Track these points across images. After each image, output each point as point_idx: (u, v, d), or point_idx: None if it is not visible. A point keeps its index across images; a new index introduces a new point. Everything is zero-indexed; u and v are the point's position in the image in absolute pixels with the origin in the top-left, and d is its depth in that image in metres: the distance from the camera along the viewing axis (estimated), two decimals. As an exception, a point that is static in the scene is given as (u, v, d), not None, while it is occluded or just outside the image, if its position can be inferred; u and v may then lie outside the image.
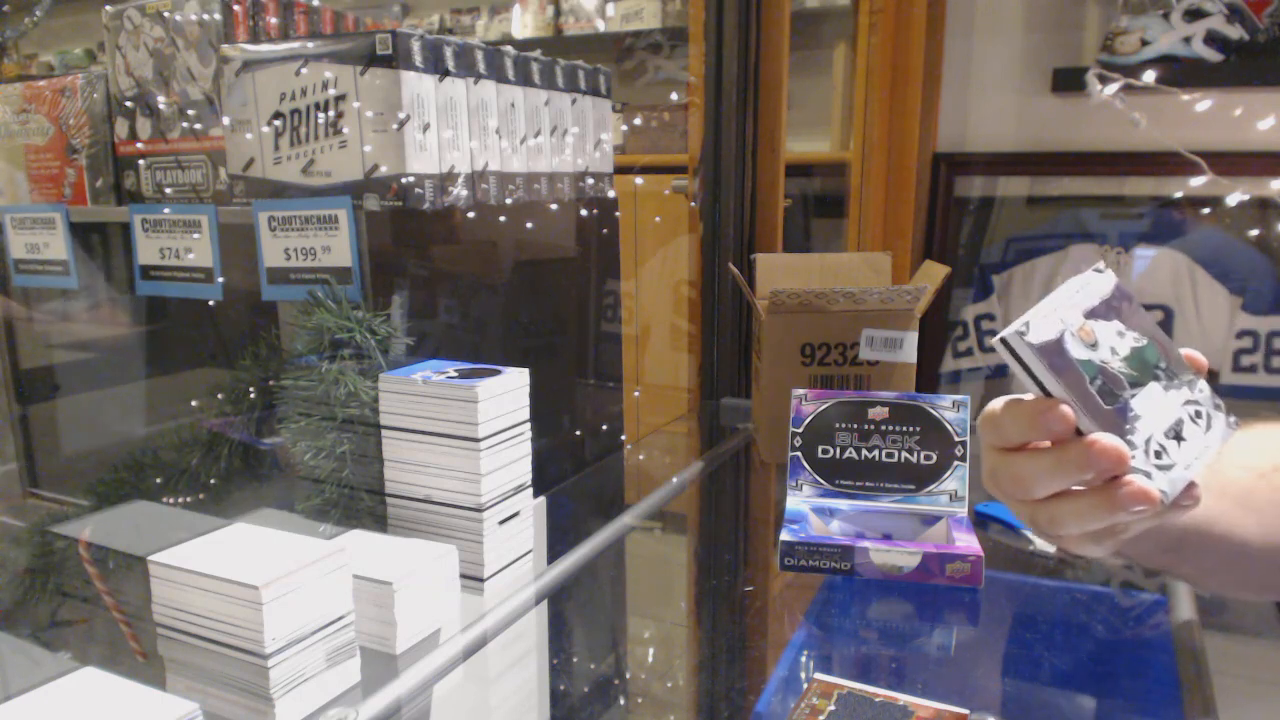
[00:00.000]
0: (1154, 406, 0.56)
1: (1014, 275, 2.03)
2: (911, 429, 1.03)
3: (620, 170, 1.45)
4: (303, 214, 1.01)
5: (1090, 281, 0.58)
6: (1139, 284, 1.91)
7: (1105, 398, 0.55)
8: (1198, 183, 1.68)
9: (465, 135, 1.08)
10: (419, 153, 1.00)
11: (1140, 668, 0.83)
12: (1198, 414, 0.57)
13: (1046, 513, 0.58)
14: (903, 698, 0.73)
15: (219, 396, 1.06)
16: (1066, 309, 0.56)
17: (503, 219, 1.16)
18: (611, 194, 1.40)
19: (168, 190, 1.21)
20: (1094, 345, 0.55)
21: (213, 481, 1.06)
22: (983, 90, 2.08)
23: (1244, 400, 1.83)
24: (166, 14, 1.17)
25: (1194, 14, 1.76)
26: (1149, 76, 1.68)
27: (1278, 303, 1.82)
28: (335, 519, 0.96)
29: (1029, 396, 0.56)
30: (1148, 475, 0.54)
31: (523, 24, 3.13)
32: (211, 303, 1.12)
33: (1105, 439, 0.53)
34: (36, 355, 1.44)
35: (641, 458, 1.49)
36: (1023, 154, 2.06)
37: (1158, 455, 0.54)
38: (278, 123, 1.03)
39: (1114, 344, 0.56)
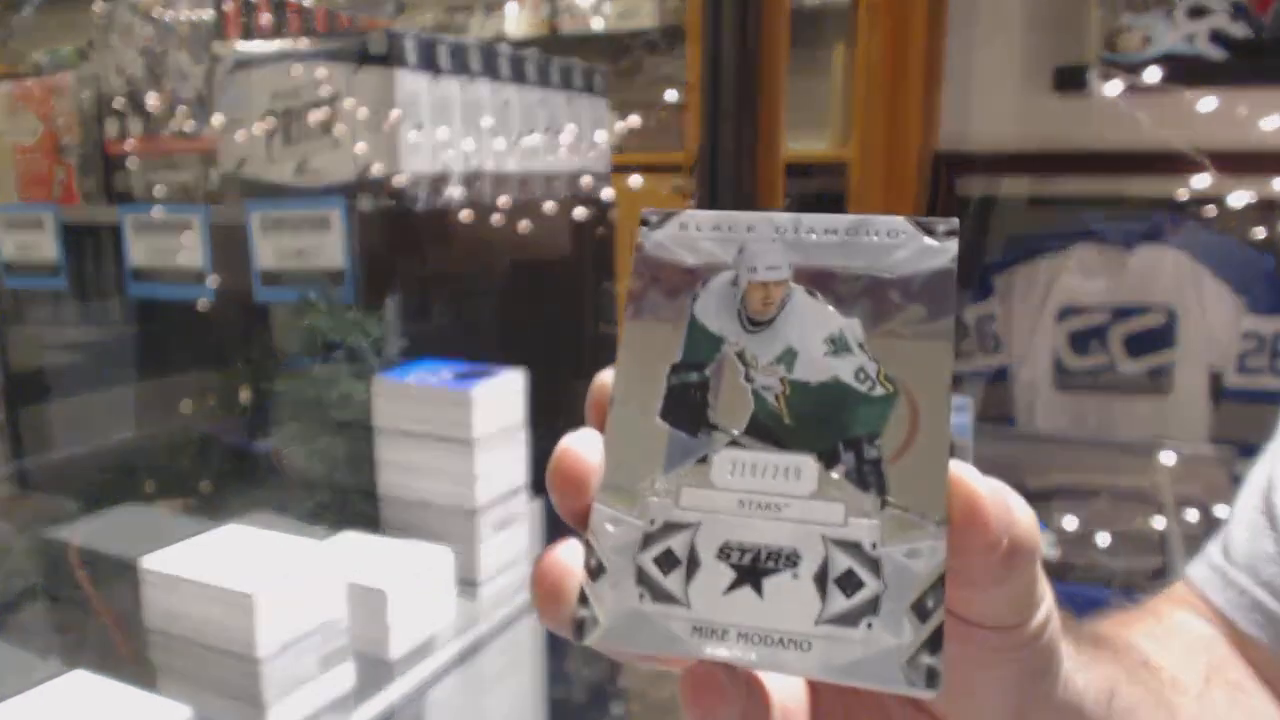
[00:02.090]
0: (755, 488, 0.26)
1: (1015, 276, 2.02)
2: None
3: (616, 170, 1.45)
4: (295, 214, 1.00)
5: (896, 233, 0.28)
6: (1142, 285, 1.90)
7: (685, 408, 0.27)
8: (1202, 182, 1.67)
9: (459, 135, 1.07)
10: (412, 152, 0.99)
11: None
12: (849, 582, 0.25)
13: None
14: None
15: (211, 399, 1.05)
16: (778, 242, 0.28)
17: (497, 219, 1.15)
18: (607, 194, 1.39)
19: (159, 190, 1.20)
20: (759, 323, 0.28)
21: (205, 485, 1.05)
22: (984, 89, 2.07)
23: (1250, 404, 1.82)
24: (158, 12, 1.16)
25: (1198, 12, 1.75)
26: (1152, 75, 1.67)
27: (1282, 303, 1.81)
28: (329, 522, 0.96)
29: None
30: (601, 569, 0.26)
31: (517, 22, 3.12)
32: (203, 304, 1.11)
33: (579, 441, 0.27)
34: (26, 357, 1.44)
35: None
36: (1024, 153, 2.05)
37: (665, 566, 0.26)
38: (270, 122, 1.03)
39: (804, 349, 0.27)
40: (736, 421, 0.27)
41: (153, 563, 0.76)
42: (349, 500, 0.96)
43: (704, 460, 0.27)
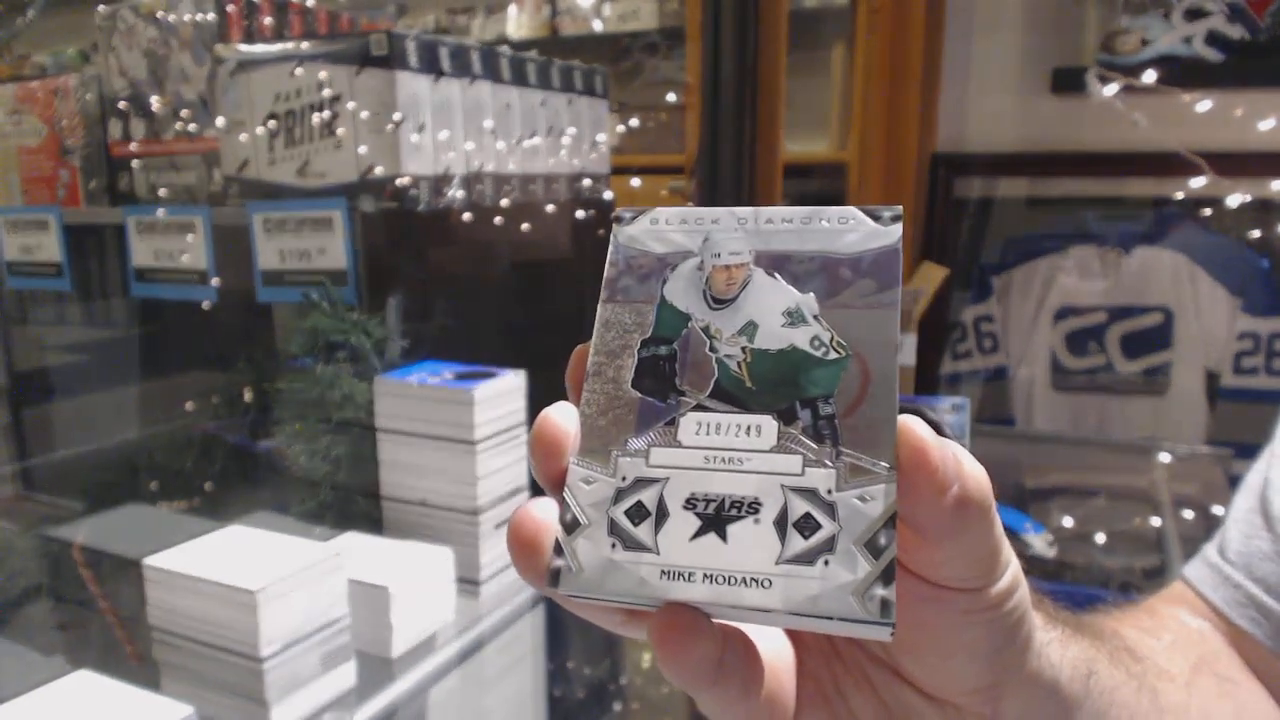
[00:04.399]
0: (718, 444, 0.28)
1: (1013, 276, 2.02)
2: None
3: (617, 171, 1.45)
4: (297, 216, 1.00)
5: (847, 219, 0.31)
6: (1139, 285, 1.90)
7: (655, 379, 0.30)
8: (1198, 183, 1.67)
9: (461, 136, 1.07)
10: (414, 154, 1.00)
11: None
12: (807, 525, 0.26)
13: None
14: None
15: (214, 399, 1.05)
16: (739, 230, 0.31)
17: (499, 220, 1.15)
18: (608, 195, 1.39)
19: (162, 192, 1.20)
20: (723, 301, 0.30)
21: (208, 484, 1.05)
22: (982, 90, 2.07)
23: (1246, 404, 1.82)
24: (160, 14, 1.16)
25: (1195, 13, 1.75)
26: (1149, 76, 1.67)
27: (1278, 304, 1.81)
28: (331, 522, 0.96)
29: None
30: (577, 523, 0.28)
31: (518, 24, 3.12)
32: (206, 305, 1.12)
33: (557, 411, 0.29)
34: (30, 358, 1.44)
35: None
36: (1022, 155, 2.06)
37: (636, 518, 0.27)
38: (272, 124, 1.03)
39: (764, 322, 0.30)
40: (702, 387, 0.29)
41: (156, 562, 0.76)
42: (351, 500, 0.96)
43: (672, 423, 0.29)
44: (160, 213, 1.13)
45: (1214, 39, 1.75)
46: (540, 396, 0.99)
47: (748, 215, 0.31)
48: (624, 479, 0.28)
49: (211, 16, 1.13)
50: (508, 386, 0.94)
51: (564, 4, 3.04)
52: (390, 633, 0.82)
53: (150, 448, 1.08)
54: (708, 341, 0.30)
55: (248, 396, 1.04)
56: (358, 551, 0.87)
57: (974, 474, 0.27)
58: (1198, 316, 1.86)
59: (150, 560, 0.76)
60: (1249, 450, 0.67)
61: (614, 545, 0.27)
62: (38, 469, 1.36)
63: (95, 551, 0.90)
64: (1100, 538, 1.17)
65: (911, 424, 0.27)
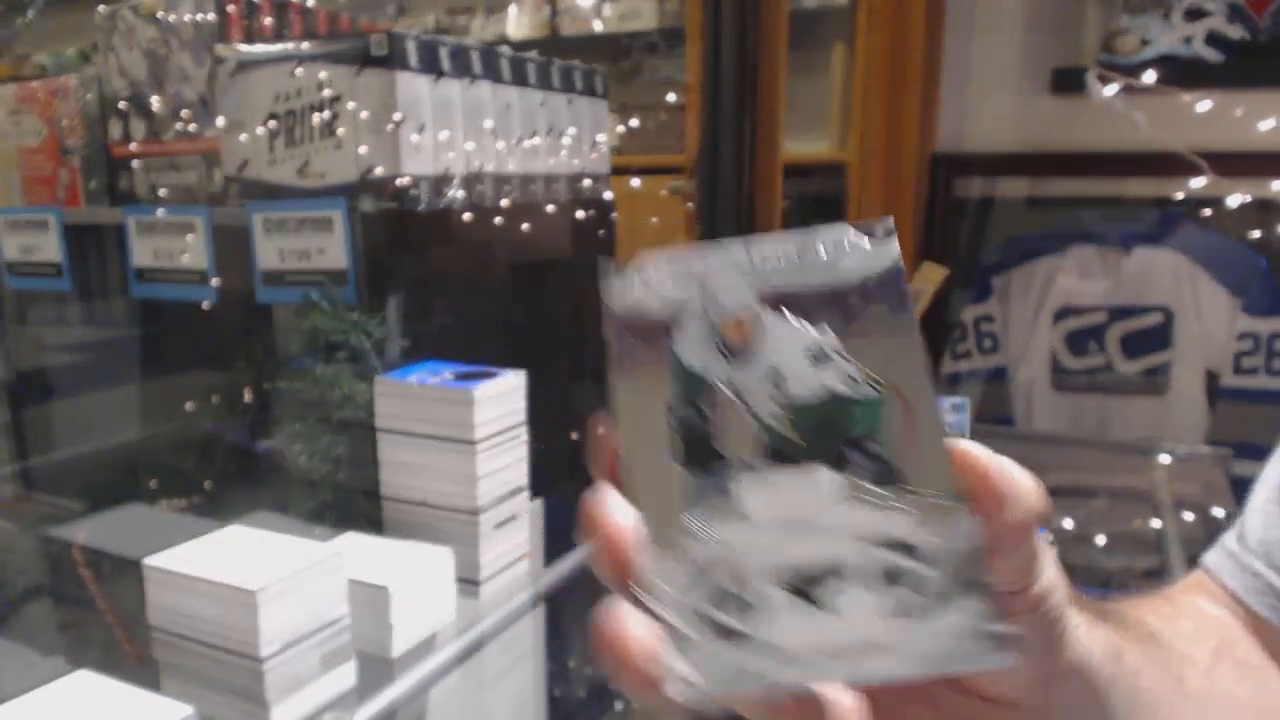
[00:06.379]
0: (784, 510, 0.27)
1: (1013, 276, 2.02)
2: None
3: (617, 171, 1.45)
4: (297, 216, 1.00)
5: (841, 243, 0.29)
6: (1139, 285, 1.90)
7: (691, 446, 0.28)
8: (1198, 184, 1.67)
9: (461, 136, 1.07)
10: (414, 154, 1.00)
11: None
12: (897, 575, 0.26)
13: None
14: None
15: (214, 399, 1.05)
16: (738, 275, 0.29)
17: (499, 220, 1.15)
18: (608, 195, 1.39)
19: (162, 192, 1.20)
20: (736, 353, 0.29)
21: (208, 484, 1.05)
22: (982, 90, 2.07)
23: (1246, 404, 1.82)
24: (160, 14, 1.16)
25: (1194, 14, 1.75)
26: (1149, 76, 1.67)
27: (1279, 304, 1.81)
28: (331, 522, 0.96)
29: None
30: (673, 629, 0.26)
31: (518, 24, 3.11)
32: (206, 305, 1.12)
33: (608, 505, 0.28)
34: (30, 358, 1.44)
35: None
36: (1022, 155, 2.06)
37: (726, 606, 0.26)
38: (272, 124, 1.03)
39: (789, 368, 0.28)
40: (743, 448, 0.28)
41: (156, 562, 0.76)
42: (351, 500, 0.96)
43: (724, 492, 0.27)
44: (160, 213, 1.13)
45: (1214, 39, 1.75)
46: (540, 396, 0.99)
47: (742, 255, 0.29)
48: (699, 566, 0.27)
49: (211, 16, 1.13)
50: (508, 386, 0.94)
51: (564, 4, 3.04)
52: (390, 633, 0.82)
53: (150, 448, 1.08)
54: (736, 398, 0.28)
55: (248, 396, 1.04)
56: (358, 551, 0.87)
57: (1029, 487, 0.28)
58: (1198, 317, 1.86)
59: (150, 560, 0.76)
60: (1249, 450, 0.67)
61: (716, 641, 0.26)
62: (38, 469, 1.36)
63: (95, 551, 0.90)
64: (1100, 539, 1.17)
65: (967, 449, 0.27)
